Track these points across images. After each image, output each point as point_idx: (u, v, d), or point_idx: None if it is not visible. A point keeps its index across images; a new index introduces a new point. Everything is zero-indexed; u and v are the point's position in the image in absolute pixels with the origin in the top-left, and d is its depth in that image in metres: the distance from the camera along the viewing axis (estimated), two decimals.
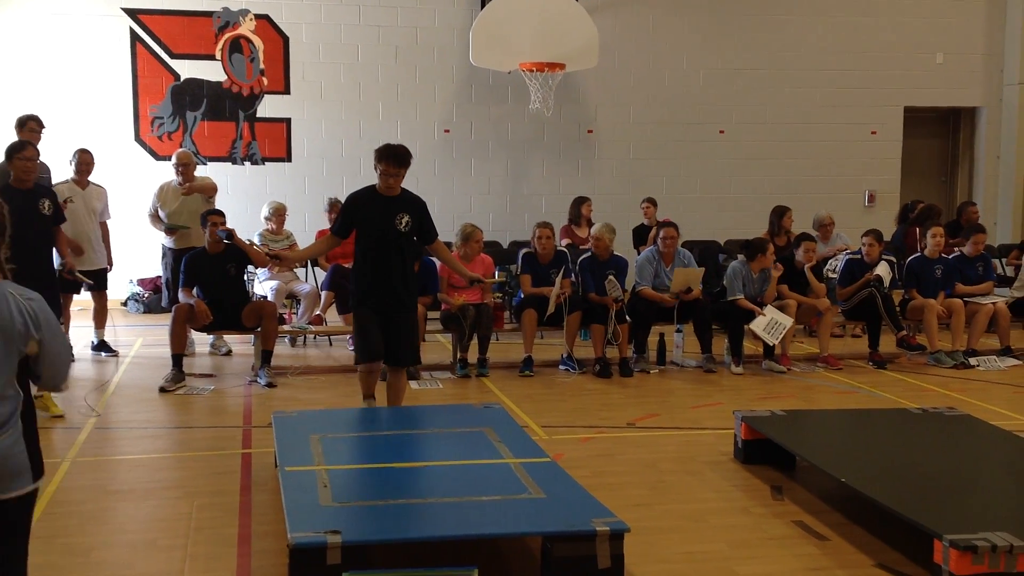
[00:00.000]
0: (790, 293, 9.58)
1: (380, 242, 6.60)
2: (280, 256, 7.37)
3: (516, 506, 4.72)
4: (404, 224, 6.60)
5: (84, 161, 9.62)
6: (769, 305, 9.31)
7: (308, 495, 4.76)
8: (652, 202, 12.48)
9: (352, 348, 9.96)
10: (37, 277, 7.37)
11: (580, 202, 12.08)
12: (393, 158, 6.55)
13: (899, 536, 4.89)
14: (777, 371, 9.25)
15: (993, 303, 9.98)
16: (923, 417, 6.59)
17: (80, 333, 9.54)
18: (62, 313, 7.77)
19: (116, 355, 9.71)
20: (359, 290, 6.70)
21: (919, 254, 10.22)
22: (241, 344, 10.09)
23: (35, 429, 3.34)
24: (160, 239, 10.01)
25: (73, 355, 5.32)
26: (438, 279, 9.24)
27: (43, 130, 9.34)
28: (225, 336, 9.86)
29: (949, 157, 15.98)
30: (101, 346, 9.77)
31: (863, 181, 14.95)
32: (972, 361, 9.63)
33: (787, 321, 9.17)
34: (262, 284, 10.23)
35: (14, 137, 9.00)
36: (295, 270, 10.69)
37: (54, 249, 8.33)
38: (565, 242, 11.67)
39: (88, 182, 9.66)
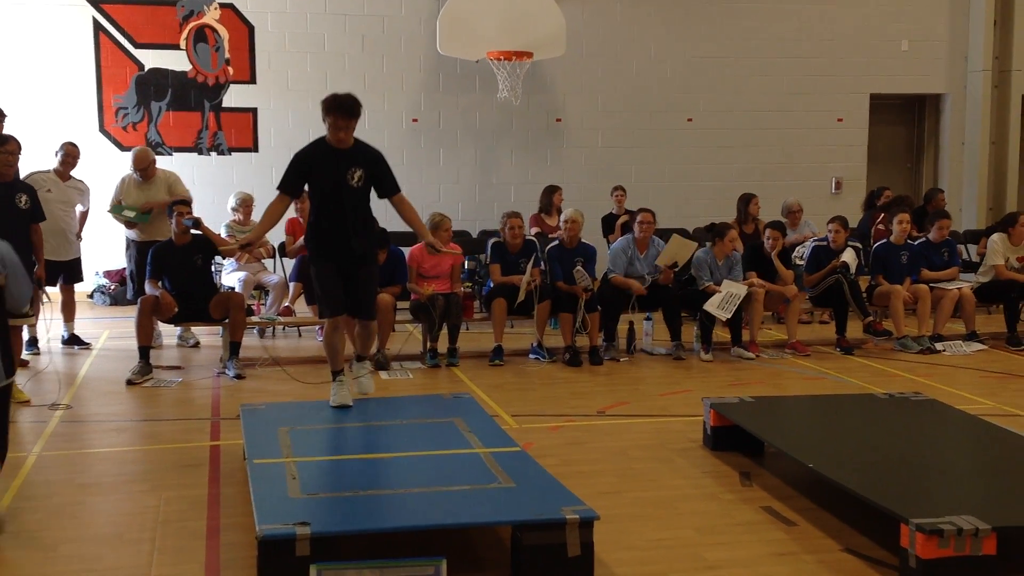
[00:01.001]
0: (758, 280, 9.63)
1: (333, 198, 6.29)
2: (248, 243, 6.92)
3: (485, 495, 4.73)
4: (357, 179, 6.29)
5: (69, 153, 9.56)
6: (726, 280, 9.35)
7: (276, 487, 4.76)
8: (622, 190, 12.51)
9: (320, 337, 10.00)
10: None
11: (551, 191, 12.08)
12: (341, 109, 6.17)
13: (866, 521, 4.94)
14: (746, 358, 9.30)
15: (959, 288, 10.08)
16: (890, 402, 6.65)
17: (50, 327, 9.44)
18: (31, 305, 7.68)
19: (89, 347, 9.63)
20: (316, 246, 6.45)
21: (885, 240, 10.30)
22: (209, 336, 10.03)
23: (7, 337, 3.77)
24: (124, 231, 9.92)
25: (31, 285, 5.45)
26: (407, 269, 9.22)
27: (3, 119, 9.22)
28: (193, 328, 9.79)
29: (915, 144, 16.12)
30: (72, 340, 9.68)
31: (830, 168, 15.05)
32: (938, 346, 9.73)
33: (740, 290, 9.21)
34: (229, 275, 10.16)
35: None
36: (263, 261, 10.63)
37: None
38: (534, 230, 11.67)
39: (70, 176, 9.57)
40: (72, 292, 9.72)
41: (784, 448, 5.62)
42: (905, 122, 16.07)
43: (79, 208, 9.72)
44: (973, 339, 9.96)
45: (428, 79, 13.79)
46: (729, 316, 9.20)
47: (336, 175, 6.26)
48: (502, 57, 12.81)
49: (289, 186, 6.40)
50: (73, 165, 9.61)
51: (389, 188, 6.48)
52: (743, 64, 14.62)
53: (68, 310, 9.67)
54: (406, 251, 9.39)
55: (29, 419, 7.12)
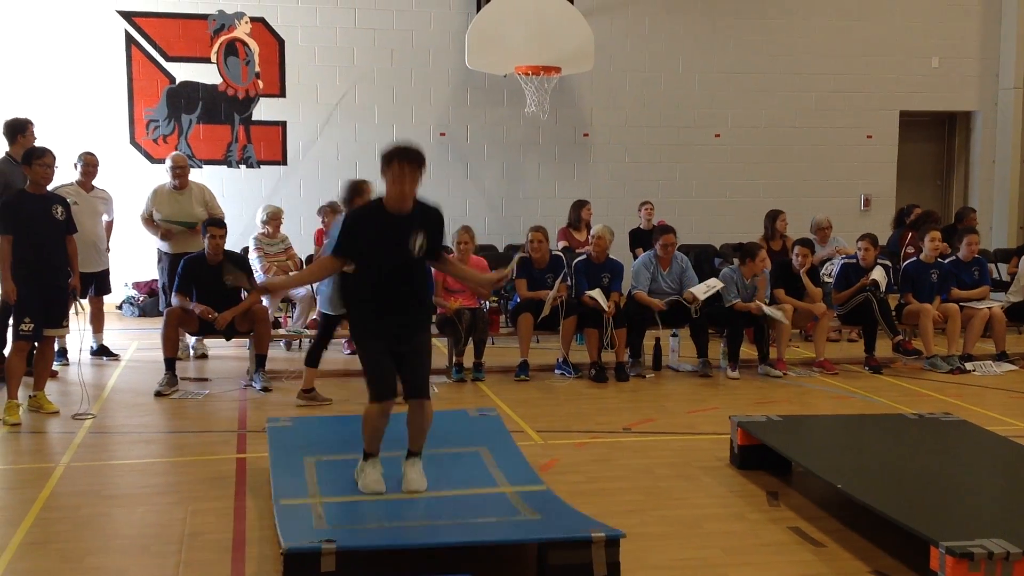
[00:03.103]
0: (786, 297, 9.58)
1: (389, 272, 5.43)
2: (279, 288, 6.41)
3: (510, 524, 4.74)
4: (419, 248, 5.42)
5: (88, 163, 9.63)
6: (763, 304, 9.34)
7: (303, 523, 4.72)
8: (651, 205, 12.48)
9: (347, 352, 10.03)
10: (51, 280, 7.46)
11: (580, 206, 12.08)
12: (406, 154, 5.35)
13: (895, 542, 4.88)
14: (773, 376, 9.24)
15: (989, 308, 9.98)
16: (919, 423, 6.58)
17: (82, 337, 9.50)
18: (65, 316, 7.75)
19: (117, 358, 9.70)
20: (364, 323, 5.56)
21: (915, 259, 10.22)
22: (236, 348, 10.07)
23: None
24: (156, 243, 9.98)
25: None
26: (433, 283, 9.23)
27: (31, 127, 9.29)
28: (221, 340, 9.82)
29: (945, 161, 16.01)
30: (101, 350, 9.75)
31: (859, 185, 14.97)
32: (968, 366, 9.64)
33: (776, 315, 9.23)
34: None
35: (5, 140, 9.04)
36: (290, 273, 10.66)
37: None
38: (562, 244, 11.67)
39: (92, 185, 9.65)
40: (101, 303, 9.81)
41: (812, 468, 5.57)
42: (935, 139, 15.96)
43: (104, 218, 9.79)
44: (1003, 359, 9.86)
45: (456, 93, 13.83)
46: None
47: (396, 247, 5.38)
48: (530, 72, 12.83)
49: (348, 250, 5.48)
50: (94, 175, 9.68)
51: (439, 249, 5.64)
52: (771, 80, 14.58)
53: (97, 321, 9.75)
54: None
55: (57, 430, 7.17)
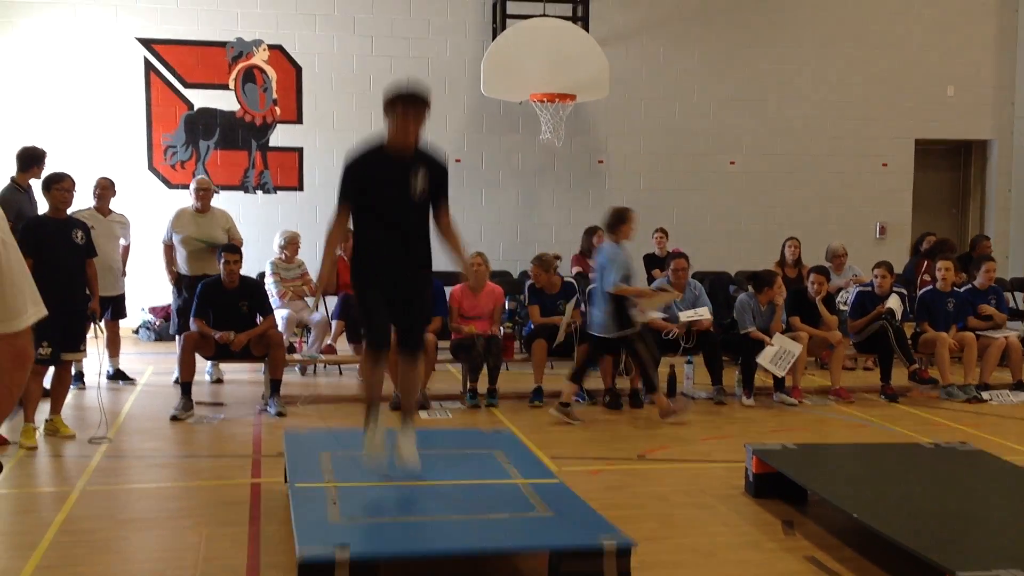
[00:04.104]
0: (802, 325, 9.55)
1: (390, 214, 5.38)
2: (324, 289, 6.30)
3: (523, 523, 4.81)
4: (420, 191, 5.39)
5: (104, 187, 9.69)
6: (778, 334, 9.29)
7: (317, 511, 4.85)
8: (664, 232, 12.50)
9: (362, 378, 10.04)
10: (71, 304, 7.52)
11: (592, 232, 12.09)
12: (410, 96, 5.23)
13: (912, 572, 4.84)
14: (788, 404, 9.21)
15: (1005, 337, 9.94)
16: (936, 452, 6.55)
17: (102, 361, 9.55)
18: (84, 340, 7.82)
19: (134, 383, 9.74)
20: (364, 269, 5.57)
21: (931, 287, 10.19)
22: (251, 373, 10.09)
23: None
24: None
25: None
26: (446, 302, 9.26)
27: (44, 158, 9.35)
28: (237, 365, 9.86)
29: (961, 190, 15.99)
30: (118, 375, 9.79)
31: (874, 213, 14.95)
32: (984, 395, 9.59)
33: (796, 349, 9.14)
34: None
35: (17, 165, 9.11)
36: (306, 299, 10.68)
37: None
38: (575, 270, 11.69)
39: (110, 210, 9.72)
40: (118, 327, 9.86)
41: (828, 497, 5.55)
42: (951, 168, 15.95)
43: (121, 242, 9.86)
44: (1020, 388, 9.81)
45: (471, 120, 13.91)
46: (783, 374, 9.14)
47: (396, 188, 5.36)
48: (545, 99, 12.90)
49: (351, 196, 5.47)
50: (110, 199, 9.73)
51: (440, 197, 5.58)
52: (786, 108, 14.61)
53: (113, 345, 9.80)
54: (447, 290, 9.44)
55: (73, 453, 7.19)
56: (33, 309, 2.66)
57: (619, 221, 8.49)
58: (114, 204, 9.86)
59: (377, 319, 5.51)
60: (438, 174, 5.51)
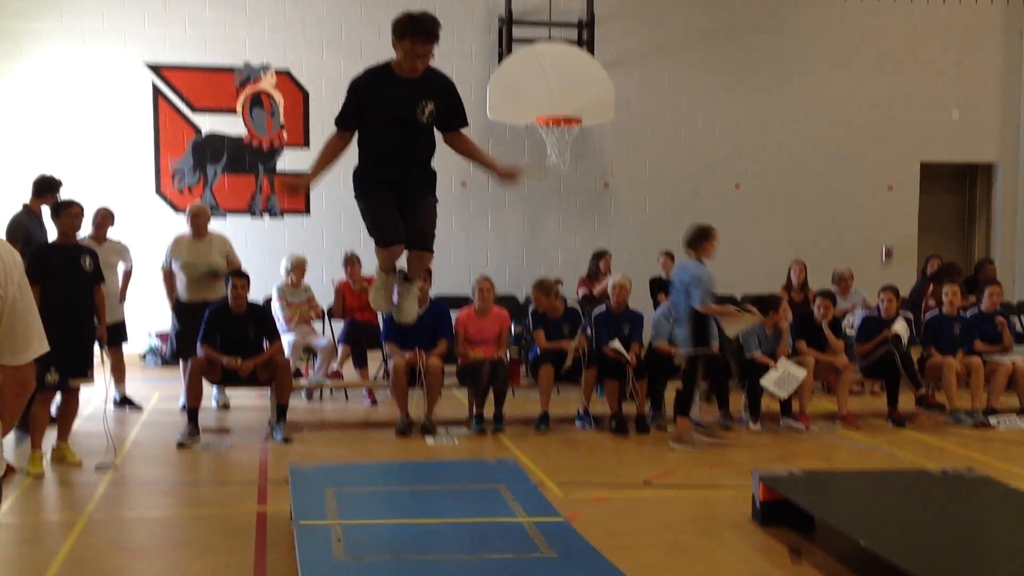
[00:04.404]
0: (808, 350, 9.54)
1: (395, 136, 5.36)
2: (302, 184, 6.21)
3: (526, 565, 4.78)
4: (428, 114, 5.35)
5: (101, 215, 9.75)
6: (783, 358, 9.28)
7: (322, 549, 4.85)
8: (669, 255, 12.49)
9: (369, 402, 10.06)
10: (78, 330, 7.53)
11: (599, 256, 12.09)
12: (420, 31, 5.21)
13: None
14: (795, 429, 9.18)
15: (1013, 361, 9.91)
16: (943, 479, 6.52)
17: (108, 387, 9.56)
18: (91, 366, 7.84)
19: (140, 409, 9.74)
20: (367, 178, 5.53)
21: (937, 312, 10.18)
22: (257, 399, 10.10)
23: None
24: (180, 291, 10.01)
25: None
26: (451, 325, 9.26)
27: (59, 187, 9.40)
28: (243, 390, 9.86)
29: (966, 213, 15.98)
30: (124, 401, 9.80)
31: (880, 236, 14.95)
32: (992, 420, 9.56)
33: (800, 373, 9.12)
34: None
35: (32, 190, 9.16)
36: (312, 323, 10.70)
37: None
38: (582, 292, 11.71)
39: (106, 238, 9.75)
40: (121, 353, 9.85)
41: (836, 524, 5.54)
42: (956, 191, 15.95)
43: (121, 267, 9.89)
44: None
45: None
46: (786, 396, 9.12)
47: (403, 109, 5.32)
48: (551, 123, 12.94)
49: (349, 119, 5.46)
50: (107, 227, 9.76)
51: (457, 121, 5.52)
52: (792, 131, 14.64)
53: (118, 371, 9.78)
54: (453, 314, 9.45)
55: (80, 481, 7.20)
56: (38, 344, 3.04)
57: (702, 238, 8.56)
58: (121, 228, 9.90)
59: (387, 216, 5.46)
60: (449, 99, 5.46)
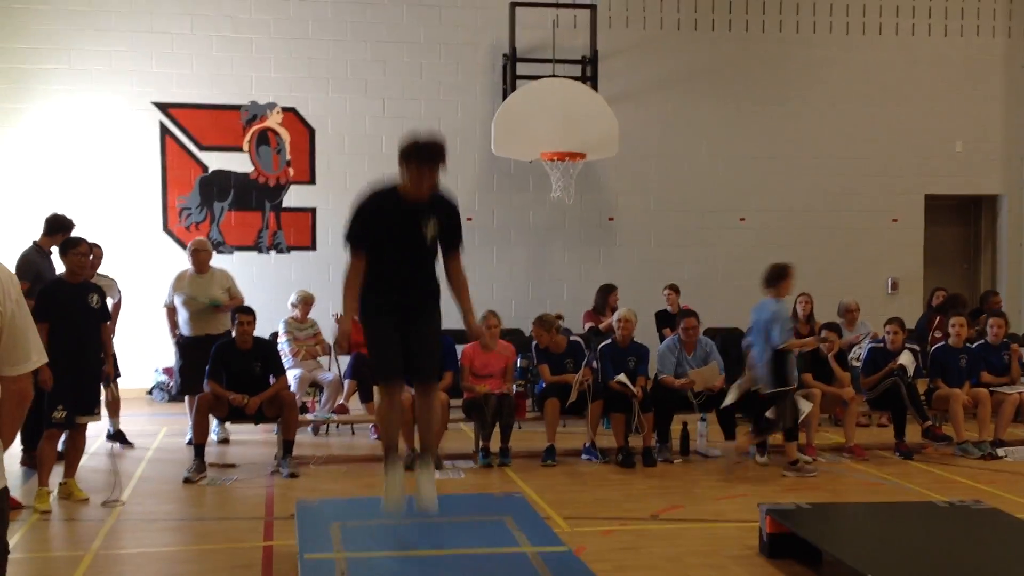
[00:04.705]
0: (814, 382, 9.53)
1: (400, 257, 5.44)
2: (346, 339, 5.94)
3: None
4: (431, 236, 5.46)
5: (94, 253, 9.76)
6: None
7: None
8: (675, 289, 12.51)
9: (375, 436, 10.05)
10: (85, 367, 7.56)
11: (607, 291, 12.09)
12: (425, 156, 5.27)
13: None
14: (803, 461, 9.15)
15: (1020, 392, 9.89)
16: (950, 511, 6.51)
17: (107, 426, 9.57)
18: (98, 403, 7.87)
19: (132, 447, 9.72)
20: (371, 301, 5.52)
21: (943, 343, 10.17)
22: (263, 434, 10.10)
23: None
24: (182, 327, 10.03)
25: None
26: (456, 359, 9.27)
27: (71, 228, 9.46)
28: (248, 426, 9.87)
29: (972, 245, 15.99)
30: (117, 436, 9.79)
31: (885, 268, 14.95)
32: (1000, 452, 9.52)
33: (806, 407, 9.11)
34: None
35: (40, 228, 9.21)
36: (318, 359, 10.73)
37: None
38: (588, 325, 11.72)
39: (95, 274, 9.77)
40: (116, 387, 9.81)
41: (843, 557, 5.51)
42: (961, 223, 15.97)
43: (110, 301, 9.90)
44: None
45: (483, 178, 14.02)
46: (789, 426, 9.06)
47: (408, 233, 5.41)
48: (555, 158, 13.00)
49: (360, 242, 5.46)
50: (97, 265, 9.70)
51: (455, 240, 5.62)
52: (796, 164, 14.69)
53: (114, 405, 9.75)
54: (458, 348, 9.46)
55: (87, 517, 7.20)
56: (36, 356, 3.22)
57: (780, 276, 8.81)
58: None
59: (388, 349, 5.47)
60: (450, 220, 5.56)
